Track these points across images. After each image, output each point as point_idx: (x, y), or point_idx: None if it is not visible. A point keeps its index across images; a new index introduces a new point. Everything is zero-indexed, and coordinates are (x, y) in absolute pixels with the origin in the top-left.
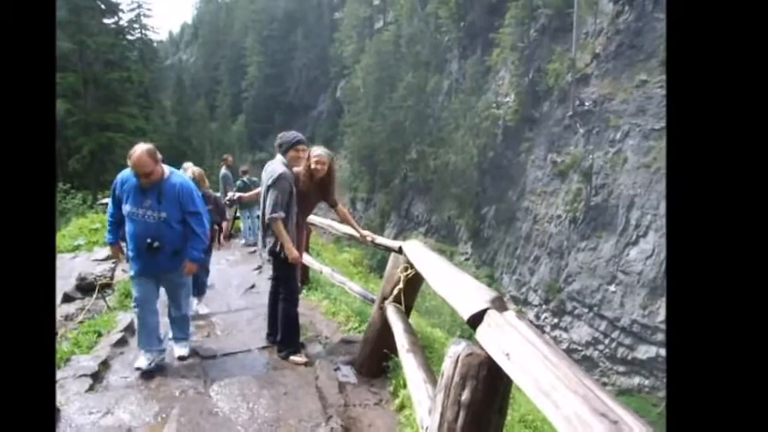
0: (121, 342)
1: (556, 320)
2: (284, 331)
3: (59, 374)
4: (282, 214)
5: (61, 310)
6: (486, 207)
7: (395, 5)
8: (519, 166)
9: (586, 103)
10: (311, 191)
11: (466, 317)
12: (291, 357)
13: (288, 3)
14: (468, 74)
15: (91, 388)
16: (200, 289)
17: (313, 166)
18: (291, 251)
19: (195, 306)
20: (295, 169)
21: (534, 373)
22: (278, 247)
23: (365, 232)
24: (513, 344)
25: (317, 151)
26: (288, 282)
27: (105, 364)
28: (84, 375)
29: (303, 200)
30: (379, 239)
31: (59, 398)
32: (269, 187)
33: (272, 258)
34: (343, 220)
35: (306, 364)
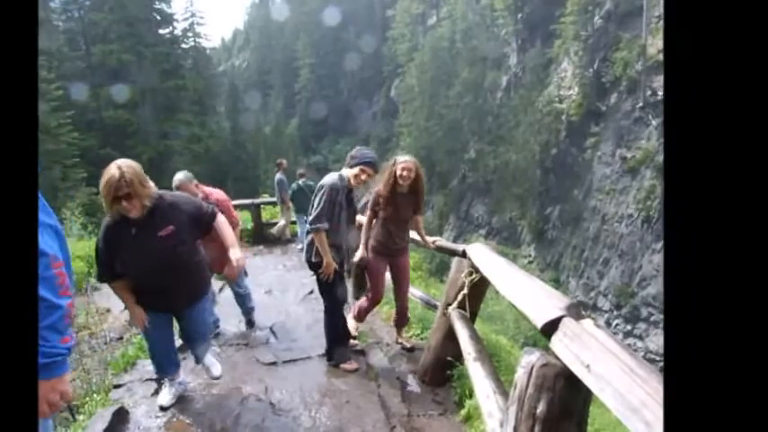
0: (183, 348)
1: (629, 328)
2: (329, 341)
3: (127, 378)
4: (324, 225)
5: (125, 314)
6: (550, 207)
7: (448, 0)
8: (585, 163)
9: (659, 93)
10: (401, 203)
11: (539, 325)
12: (342, 365)
13: (339, 3)
14: (527, 67)
15: (156, 392)
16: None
17: (399, 173)
18: (329, 265)
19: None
20: (376, 188)
21: (620, 388)
22: (314, 258)
23: (431, 238)
24: (593, 355)
25: (404, 158)
26: (330, 292)
27: None
28: (150, 379)
29: (393, 214)
30: (443, 243)
31: (128, 400)
32: (315, 196)
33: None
34: (414, 228)
35: (356, 371)
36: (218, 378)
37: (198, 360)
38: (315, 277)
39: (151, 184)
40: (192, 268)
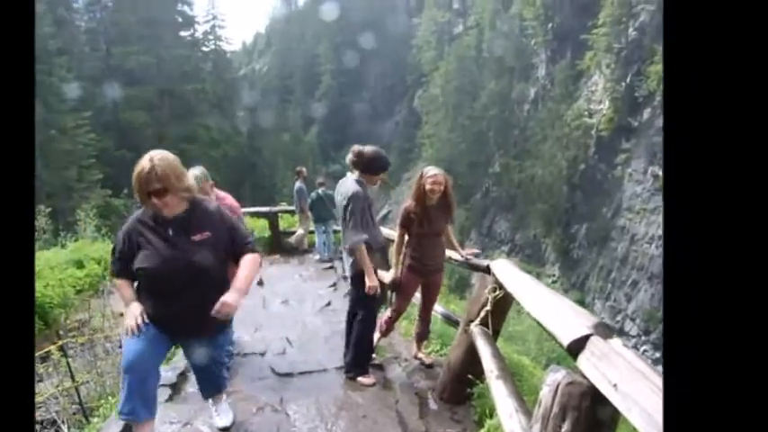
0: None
1: (658, 355)
2: (356, 352)
3: None
4: (362, 237)
5: None
6: (577, 225)
7: (475, 8)
8: (614, 180)
9: None
10: (433, 216)
11: (566, 343)
12: (359, 378)
13: (363, 8)
14: (556, 80)
15: (170, 398)
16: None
17: (428, 187)
18: (371, 278)
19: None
20: (405, 204)
21: (647, 408)
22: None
23: (465, 251)
24: (620, 374)
25: (432, 171)
26: (367, 303)
27: (183, 376)
28: (164, 385)
29: (426, 229)
30: (472, 258)
31: None
32: (345, 209)
33: (353, 280)
34: (445, 238)
35: (374, 385)
36: (224, 429)
37: (205, 397)
38: (352, 287)
39: (190, 177)
40: (213, 291)
